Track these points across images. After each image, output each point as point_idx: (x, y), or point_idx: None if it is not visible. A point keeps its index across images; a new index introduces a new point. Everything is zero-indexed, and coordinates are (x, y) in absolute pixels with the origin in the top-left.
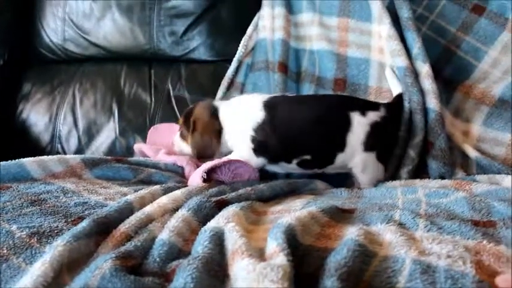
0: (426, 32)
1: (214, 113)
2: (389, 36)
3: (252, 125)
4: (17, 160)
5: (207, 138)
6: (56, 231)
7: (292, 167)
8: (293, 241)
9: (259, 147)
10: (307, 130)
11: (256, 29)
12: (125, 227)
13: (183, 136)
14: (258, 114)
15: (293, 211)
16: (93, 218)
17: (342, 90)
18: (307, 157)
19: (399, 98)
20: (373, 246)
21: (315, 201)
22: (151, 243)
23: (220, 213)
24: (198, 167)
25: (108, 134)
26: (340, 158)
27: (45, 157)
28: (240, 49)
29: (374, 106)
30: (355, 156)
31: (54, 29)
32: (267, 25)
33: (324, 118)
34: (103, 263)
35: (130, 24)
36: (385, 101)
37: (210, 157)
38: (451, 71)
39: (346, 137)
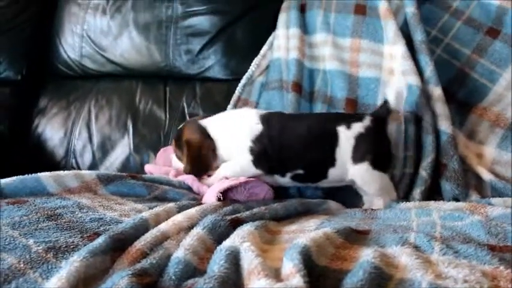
0: (441, 55)
1: (203, 131)
2: (403, 56)
3: (250, 137)
4: (33, 175)
5: (203, 157)
6: (71, 246)
7: (286, 180)
8: (309, 262)
9: (258, 157)
10: (299, 146)
11: (271, 49)
12: (140, 244)
13: (178, 157)
14: (256, 127)
15: (307, 231)
16: (109, 235)
17: (354, 110)
18: (300, 171)
19: (384, 103)
20: (389, 269)
21: (329, 221)
22: (166, 260)
23: (236, 232)
24: (205, 183)
25: (122, 150)
26: (333, 173)
27: (61, 172)
28: (252, 67)
29: (359, 118)
30: (349, 170)
31: (72, 45)
32: (281, 45)
33: (314, 134)
34: (119, 280)
35: (146, 42)
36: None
37: (206, 172)
38: (466, 93)
39: (335, 152)
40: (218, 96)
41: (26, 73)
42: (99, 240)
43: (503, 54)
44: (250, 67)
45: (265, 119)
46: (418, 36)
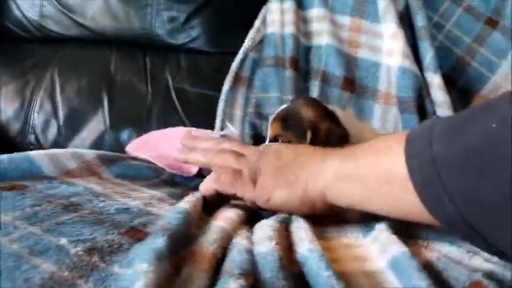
0: (443, 41)
1: (329, 114)
2: (392, 35)
3: None
4: (23, 153)
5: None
6: (115, 246)
7: None
8: None
9: None
10: None
11: (264, 23)
12: (212, 246)
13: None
14: None
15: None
16: (166, 234)
17: (351, 90)
18: None
19: None
20: None
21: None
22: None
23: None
24: None
25: (96, 126)
26: None
27: (56, 150)
28: (247, 42)
29: None
30: None
31: (29, 3)
32: (276, 19)
33: None
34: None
35: (124, 4)
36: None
37: None
38: (466, 80)
39: None
40: (206, 69)
41: None
42: (159, 241)
43: (501, 45)
44: (246, 41)
45: None
46: (419, 22)
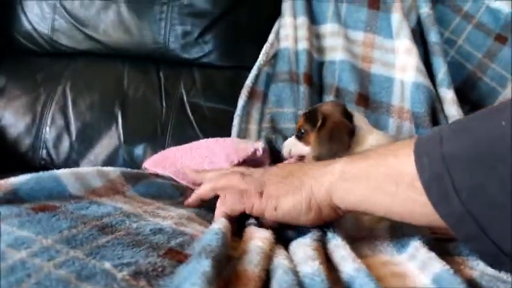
0: (454, 56)
1: (347, 115)
2: (406, 51)
3: None
4: (49, 172)
5: (337, 136)
6: (159, 269)
7: None
8: None
9: None
10: None
11: (278, 37)
12: (257, 268)
13: (300, 137)
14: None
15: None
16: (210, 256)
17: (365, 106)
18: None
19: None
20: None
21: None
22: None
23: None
24: None
25: (109, 141)
26: None
27: (81, 169)
28: (261, 57)
29: None
30: None
31: (40, 16)
32: (289, 34)
33: None
34: None
35: (137, 18)
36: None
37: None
38: (478, 95)
39: None
40: (221, 84)
41: None
42: (205, 263)
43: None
44: (260, 56)
45: None
46: (432, 37)
